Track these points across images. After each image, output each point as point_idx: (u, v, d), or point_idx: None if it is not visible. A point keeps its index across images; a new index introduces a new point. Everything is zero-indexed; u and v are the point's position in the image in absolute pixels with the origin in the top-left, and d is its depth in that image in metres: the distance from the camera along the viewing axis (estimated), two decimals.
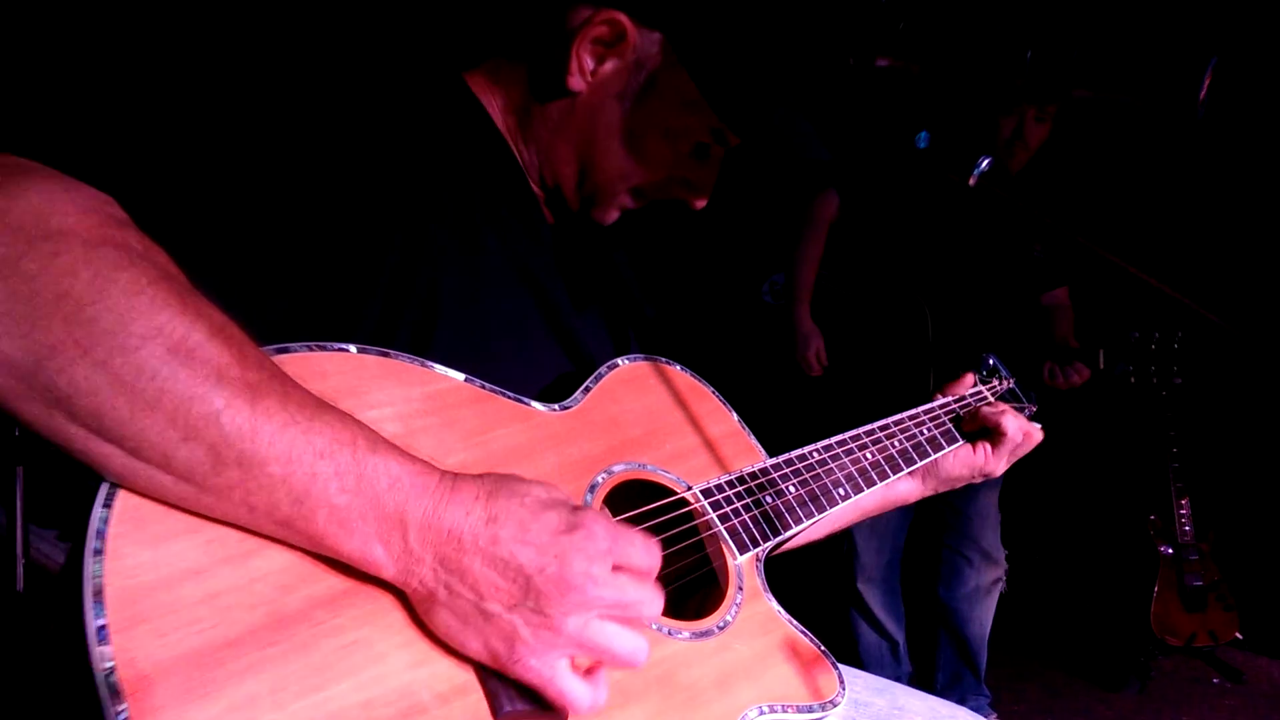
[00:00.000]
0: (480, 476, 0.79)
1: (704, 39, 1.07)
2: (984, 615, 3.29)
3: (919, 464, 1.42)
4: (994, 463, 1.50)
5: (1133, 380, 3.17)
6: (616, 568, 0.78)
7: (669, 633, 0.97)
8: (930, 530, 3.40)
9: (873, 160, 3.11)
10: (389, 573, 0.75)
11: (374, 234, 0.98)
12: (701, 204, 1.23)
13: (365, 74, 1.09)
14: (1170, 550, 3.60)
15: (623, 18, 1.06)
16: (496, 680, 0.78)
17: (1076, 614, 4.22)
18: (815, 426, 1.41)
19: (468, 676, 0.78)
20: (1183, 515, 3.60)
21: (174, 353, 0.67)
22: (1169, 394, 3.26)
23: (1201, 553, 3.60)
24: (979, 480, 1.53)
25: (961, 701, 3.20)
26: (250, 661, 0.68)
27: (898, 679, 3.25)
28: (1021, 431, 1.47)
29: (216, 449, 0.68)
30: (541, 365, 1.16)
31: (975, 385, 1.59)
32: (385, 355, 0.94)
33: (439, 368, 0.97)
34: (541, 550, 0.75)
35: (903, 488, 1.52)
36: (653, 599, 0.80)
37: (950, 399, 1.55)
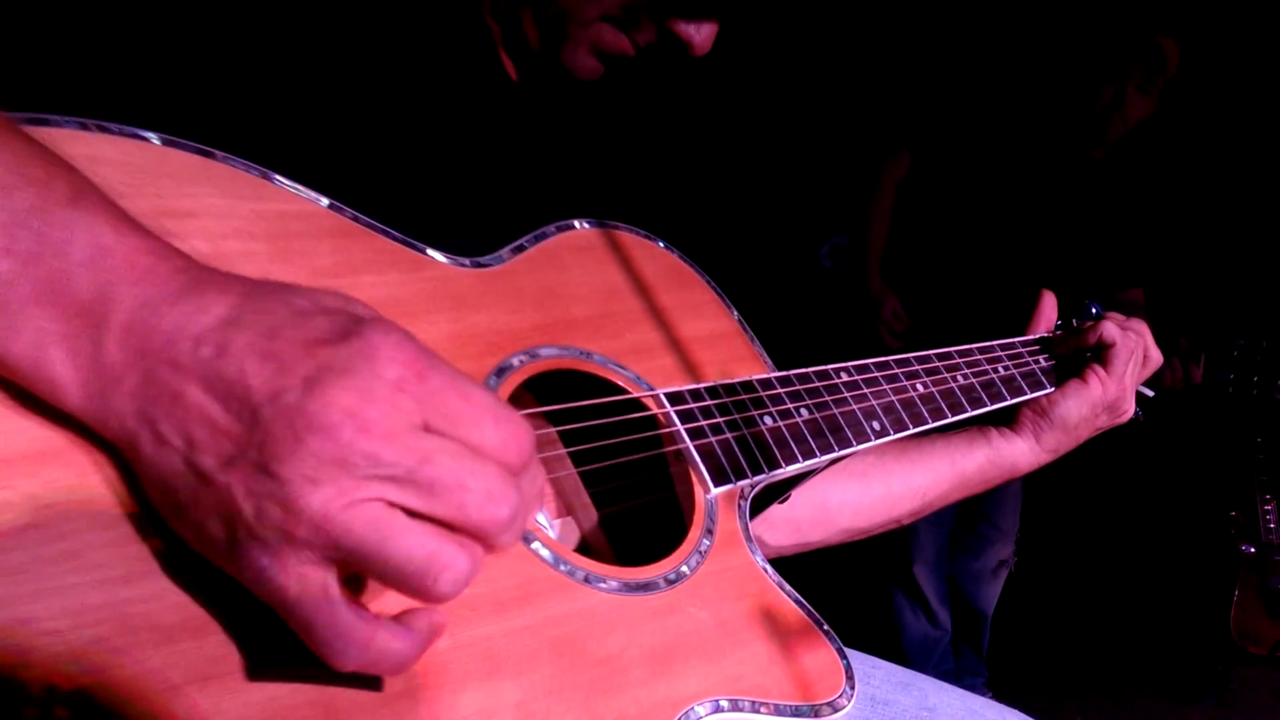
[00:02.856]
0: (243, 279, 0.49)
1: None
2: (992, 593, 3.17)
3: (988, 407, 1.09)
4: (1116, 388, 1.14)
5: (1231, 390, 2.84)
6: (428, 424, 0.46)
7: (585, 578, 0.66)
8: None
9: (955, 125, 2.94)
10: (72, 397, 0.46)
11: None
12: (704, 42, 0.91)
13: None
14: (1253, 549, 3.29)
15: None
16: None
17: (1147, 618, 3.88)
18: None
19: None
20: (1268, 511, 3.32)
21: None
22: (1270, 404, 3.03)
23: None
24: (1107, 425, 1.18)
25: (959, 679, 3.10)
26: None
27: (948, 675, 2.99)
28: (1133, 335, 1.13)
29: None
30: (479, 234, 0.87)
31: (1057, 319, 1.25)
32: (207, 155, 0.66)
33: (287, 182, 0.68)
34: (283, 365, 0.44)
35: (1011, 451, 1.16)
36: (503, 495, 0.46)
37: (1035, 337, 1.21)
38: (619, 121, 1.11)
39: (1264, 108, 3.84)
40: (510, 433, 0.47)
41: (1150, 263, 2.92)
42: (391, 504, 0.43)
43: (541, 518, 0.83)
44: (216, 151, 0.66)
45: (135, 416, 0.45)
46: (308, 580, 0.43)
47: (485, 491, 0.45)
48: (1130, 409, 1.19)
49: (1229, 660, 3.24)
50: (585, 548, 0.84)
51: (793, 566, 1.21)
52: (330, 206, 0.70)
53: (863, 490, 1.13)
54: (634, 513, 0.83)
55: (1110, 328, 1.13)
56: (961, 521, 3.15)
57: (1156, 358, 1.20)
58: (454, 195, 0.88)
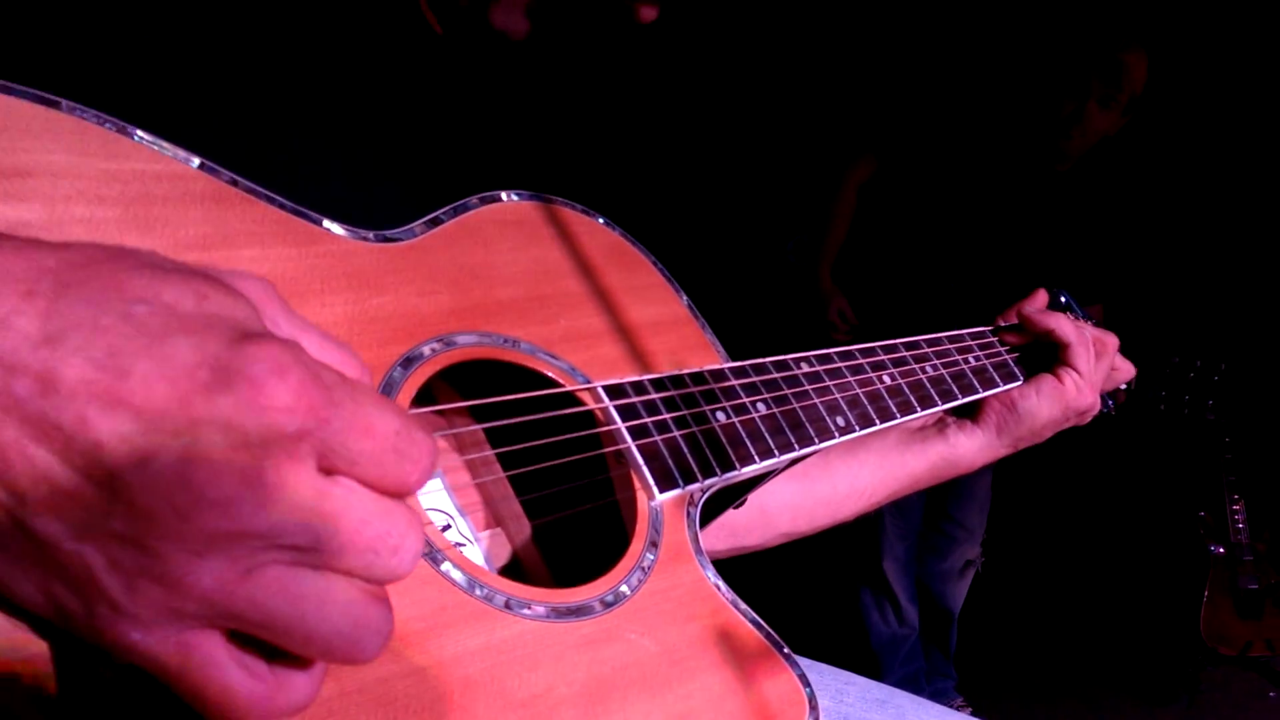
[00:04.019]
0: (50, 251, 0.38)
1: None
2: (959, 593, 3.15)
3: (959, 400, 1.01)
4: (1091, 395, 1.09)
5: (1162, 408, 2.91)
6: (328, 467, 0.37)
7: (506, 603, 0.56)
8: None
9: (921, 132, 2.95)
10: None
11: None
12: (651, 13, 0.82)
13: None
14: (1222, 550, 3.31)
15: None
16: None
17: (1117, 619, 3.88)
18: None
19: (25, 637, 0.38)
20: (1236, 512, 3.34)
21: None
22: (1200, 424, 3.11)
23: (1257, 553, 3.30)
24: (1073, 423, 1.11)
25: (928, 681, 3.13)
26: None
27: (919, 674, 2.95)
28: (1091, 338, 1.07)
29: None
30: (392, 205, 0.76)
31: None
32: (50, 105, 0.55)
33: (152, 139, 0.57)
34: (142, 415, 0.34)
35: (968, 446, 1.08)
36: (404, 531, 0.38)
37: (1001, 325, 1.13)
38: (560, 83, 1.01)
39: (1228, 123, 3.88)
40: (414, 461, 0.39)
41: (1108, 279, 2.92)
42: (294, 564, 0.36)
43: (467, 530, 0.73)
44: (63, 101, 0.55)
45: None
46: (192, 649, 0.36)
47: (398, 538, 0.38)
48: (1094, 414, 1.13)
49: (1199, 661, 3.25)
50: (517, 564, 0.74)
51: (754, 567, 1.13)
52: (202, 167, 0.59)
53: (805, 491, 1.05)
54: (572, 523, 0.73)
55: (1066, 325, 1.06)
56: (928, 521, 3.12)
57: (1126, 369, 1.14)
58: (364, 160, 0.78)
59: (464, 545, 0.71)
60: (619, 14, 0.83)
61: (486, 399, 0.65)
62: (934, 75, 3.89)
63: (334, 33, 0.80)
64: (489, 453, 0.73)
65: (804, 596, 3.51)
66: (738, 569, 0.99)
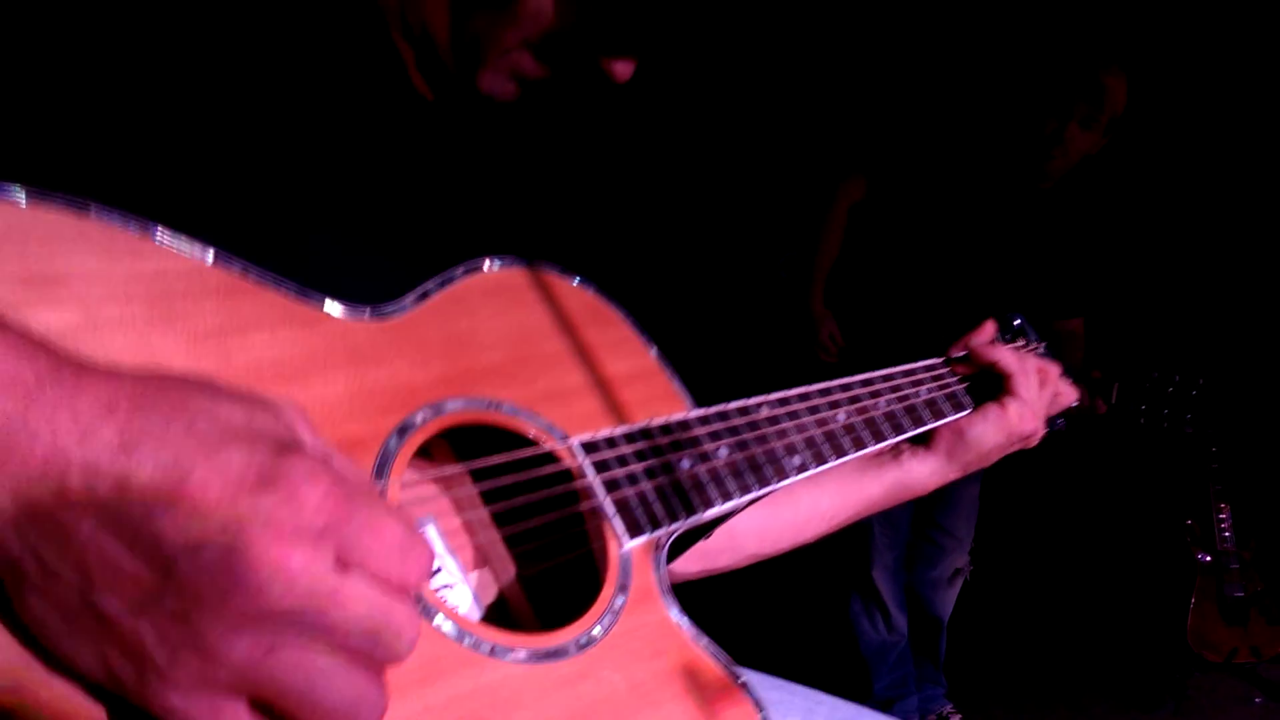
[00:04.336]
0: (128, 378, 0.46)
1: None
2: (948, 601, 3.21)
3: (909, 432, 1.09)
4: (1033, 422, 1.16)
5: (1142, 421, 2.96)
6: (343, 563, 0.45)
7: (492, 650, 0.63)
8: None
9: (909, 152, 3.03)
10: None
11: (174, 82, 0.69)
12: (626, 71, 0.89)
13: None
14: (1209, 558, 3.38)
15: None
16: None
17: (1105, 626, 3.95)
18: None
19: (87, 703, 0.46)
20: (1222, 521, 3.40)
21: None
22: (1179, 436, 3.18)
23: (1243, 561, 3.38)
24: (1019, 447, 1.19)
25: (918, 688, 3.21)
26: None
27: (907, 679, 3.04)
28: (1033, 368, 1.15)
29: None
30: (383, 276, 0.83)
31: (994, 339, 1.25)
32: (80, 212, 0.62)
33: (170, 238, 0.64)
34: (198, 512, 0.42)
35: (920, 470, 1.16)
36: (404, 622, 0.47)
37: (951, 356, 1.21)
38: (546, 143, 1.08)
39: (1206, 142, 3.97)
40: (405, 542, 0.47)
41: (1090, 294, 2.99)
42: (310, 643, 0.44)
43: (456, 571, 0.81)
44: (92, 206, 0.62)
45: (16, 544, 0.43)
46: (221, 712, 0.44)
47: (399, 626, 0.46)
48: (1039, 438, 1.21)
49: (1186, 668, 3.32)
50: (504, 603, 0.81)
51: (746, 577, 1.21)
52: (216, 261, 0.66)
53: (770, 516, 1.13)
54: (556, 571, 0.80)
55: (1010, 359, 1.14)
56: (917, 530, 3.18)
57: (1069, 395, 1.22)
58: (364, 227, 0.85)
59: (451, 586, 0.78)
60: (596, 74, 0.90)
61: (472, 462, 0.72)
62: (922, 95, 3.97)
63: (328, 106, 0.87)
64: (484, 511, 0.80)
65: (795, 604, 3.59)
66: (729, 580, 1.08)
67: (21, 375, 0.44)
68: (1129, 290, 3.86)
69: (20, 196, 0.59)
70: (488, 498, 0.78)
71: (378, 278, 0.78)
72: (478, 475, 0.76)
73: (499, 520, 0.79)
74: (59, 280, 0.59)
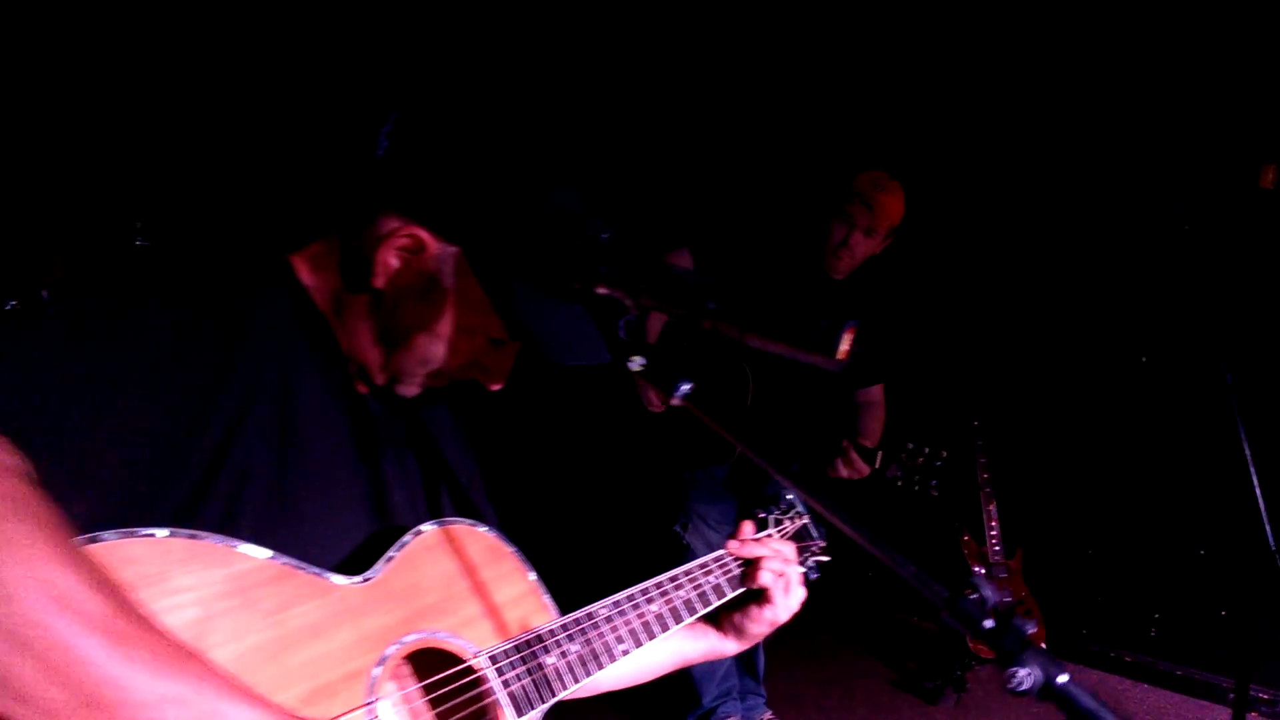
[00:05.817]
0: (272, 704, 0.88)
1: (494, 256, 1.20)
2: None
3: (700, 612, 1.58)
4: (785, 614, 1.63)
5: (899, 484, 3.65)
6: None
7: None
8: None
9: (729, 234, 3.46)
10: None
11: (192, 421, 1.06)
12: (496, 387, 1.35)
13: (195, 254, 1.18)
14: (983, 571, 4.07)
15: (424, 234, 1.21)
16: None
17: (902, 633, 4.82)
18: None
19: None
20: (993, 536, 4.14)
21: (57, 602, 0.78)
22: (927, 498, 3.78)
23: (1010, 570, 4.11)
24: (787, 605, 1.63)
25: (742, 699, 3.60)
26: None
27: (733, 691, 3.54)
28: (775, 548, 1.61)
29: (84, 690, 0.78)
30: (354, 529, 1.25)
31: (755, 532, 1.76)
32: (194, 538, 1.01)
33: (244, 546, 1.05)
34: None
35: (723, 646, 1.67)
36: None
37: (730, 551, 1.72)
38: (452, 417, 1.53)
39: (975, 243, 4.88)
40: None
41: (882, 366, 3.60)
42: None
43: None
44: (200, 532, 1.02)
45: None
46: None
47: None
48: (800, 601, 1.72)
49: (966, 664, 4.01)
50: None
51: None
52: (271, 558, 1.07)
53: (619, 669, 1.59)
54: None
55: (754, 549, 1.61)
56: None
57: (799, 594, 1.71)
58: (338, 499, 1.25)
59: None
60: (478, 387, 1.36)
61: (426, 680, 1.15)
62: (744, 192, 4.68)
63: (306, 410, 1.26)
64: (422, 699, 1.22)
65: None
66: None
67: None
68: (919, 359, 4.70)
69: (159, 533, 0.99)
70: (429, 689, 1.20)
71: (354, 531, 1.21)
72: (427, 687, 1.19)
73: (434, 704, 1.21)
74: (186, 589, 0.99)
